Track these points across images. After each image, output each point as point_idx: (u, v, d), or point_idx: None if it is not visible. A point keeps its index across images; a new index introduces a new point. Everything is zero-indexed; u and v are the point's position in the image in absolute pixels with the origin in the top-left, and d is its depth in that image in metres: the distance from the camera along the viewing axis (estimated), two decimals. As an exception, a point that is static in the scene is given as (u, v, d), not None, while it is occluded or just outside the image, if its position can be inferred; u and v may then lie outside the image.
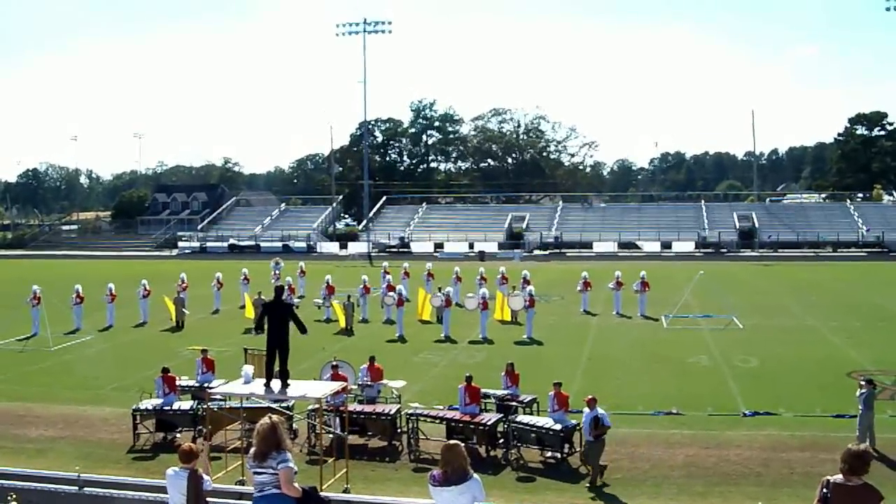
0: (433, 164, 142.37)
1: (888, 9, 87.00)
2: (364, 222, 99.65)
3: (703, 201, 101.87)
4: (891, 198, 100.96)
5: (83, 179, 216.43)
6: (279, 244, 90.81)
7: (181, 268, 50.17)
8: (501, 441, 18.73)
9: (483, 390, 19.91)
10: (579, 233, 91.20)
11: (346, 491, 15.28)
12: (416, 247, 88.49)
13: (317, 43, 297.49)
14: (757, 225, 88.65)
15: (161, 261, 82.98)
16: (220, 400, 18.92)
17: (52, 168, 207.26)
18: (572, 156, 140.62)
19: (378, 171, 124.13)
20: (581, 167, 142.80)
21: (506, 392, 20.53)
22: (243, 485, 14.64)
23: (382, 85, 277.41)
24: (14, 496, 11.65)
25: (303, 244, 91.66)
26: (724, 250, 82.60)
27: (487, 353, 30.32)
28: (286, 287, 39.19)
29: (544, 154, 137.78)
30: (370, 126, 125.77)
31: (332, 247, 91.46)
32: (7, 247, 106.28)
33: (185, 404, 20.42)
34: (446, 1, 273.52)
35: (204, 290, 43.24)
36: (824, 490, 8.18)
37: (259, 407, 17.82)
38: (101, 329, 36.50)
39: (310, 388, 16.68)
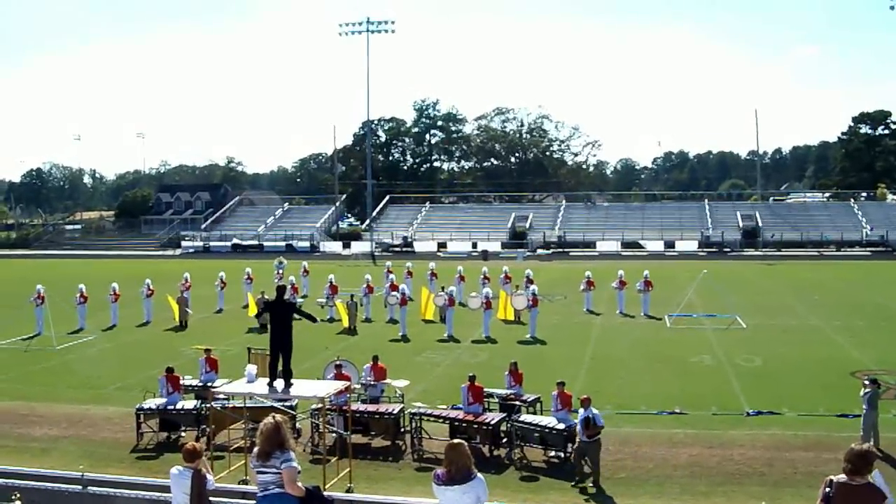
0: (436, 164, 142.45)
1: (892, 7, 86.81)
2: (367, 222, 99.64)
3: (706, 200, 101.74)
4: (895, 197, 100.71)
5: (87, 179, 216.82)
6: (282, 244, 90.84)
7: (185, 267, 50.19)
8: (505, 440, 18.74)
9: (486, 390, 19.92)
10: (582, 232, 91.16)
11: (349, 490, 15.31)
12: (419, 246, 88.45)
13: (320, 42, 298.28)
14: (760, 224, 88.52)
15: (164, 260, 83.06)
16: (224, 399, 18.94)
17: (55, 168, 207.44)
18: (575, 155, 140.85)
19: (381, 171, 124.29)
20: (584, 166, 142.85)
21: (509, 391, 20.53)
22: (247, 484, 14.67)
23: (386, 84, 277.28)
24: (18, 495, 11.67)
25: (306, 244, 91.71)
26: (728, 250, 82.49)
27: (490, 352, 30.32)
28: (289, 286, 39.39)
29: (547, 153, 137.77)
30: (373, 125, 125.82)
31: (336, 246, 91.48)
32: (11, 246, 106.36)
33: (189, 404, 20.44)
34: (449, 0, 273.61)
35: (207, 289, 43.26)
36: (827, 489, 8.18)
37: (262, 406, 17.83)
38: (104, 328, 36.54)
39: (313, 388, 16.70)
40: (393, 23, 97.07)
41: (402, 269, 46.58)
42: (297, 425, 19.18)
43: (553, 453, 18.04)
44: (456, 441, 9.10)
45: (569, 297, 43.79)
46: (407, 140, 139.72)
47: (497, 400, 20.37)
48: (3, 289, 53.24)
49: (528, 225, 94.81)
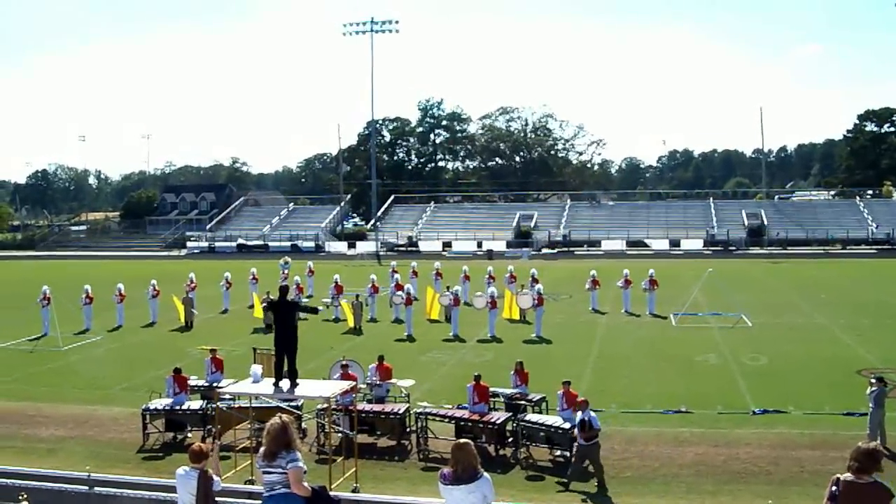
0: (441, 163, 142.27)
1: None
2: (372, 221, 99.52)
3: (711, 199, 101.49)
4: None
5: (92, 180, 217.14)
6: (287, 244, 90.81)
7: (190, 268, 50.24)
8: (510, 440, 18.75)
9: (492, 389, 19.92)
10: (587, 231, 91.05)
11: (355, 490, 15.32)
12: (424, 246, 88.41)
13: (324, 42, 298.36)
14: (766, 222, 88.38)
15: (170, 261, 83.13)
16: (230, 399, 18.95)
17: (60, 169, 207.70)
18: (580, 154, 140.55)
19: (386, 171, 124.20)
20: (589, 165, 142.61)
21: (515, 391, 20.53)
22: (253, 484, 14.69)
23: (390, 84, 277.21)
24: (25, 495, 11.69)
25: (311, 244, 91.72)
26: (733, 248, 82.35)
27: (496, 351, 30.33)
28: (294, 286, 39.47)
29: (552, 152, 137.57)
30: (378, 125, 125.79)
31: (341, 246, 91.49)
32: (17, 247, 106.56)
33: (195, 404, 20.46)
34: (452, 0, 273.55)
35: (213, 289, 43.31)
36: (833, 488, 8.16)
37: (268, 406, 17.84)
38: (110, 329, 36.59)
39: (319, 388, 16.71)
40: (397, 22, 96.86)
41: (408, 269, 46.60)
42: (303, 425, 19.20)
43: (559, 452, 18.02)
44: (462, 441, 9.11)
45: (574, 296, 43.81)
46: (411, 140, 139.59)
47: (503, 399, 20.38)
48: (9, 290, 53.35)
49: (533, 224, 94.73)
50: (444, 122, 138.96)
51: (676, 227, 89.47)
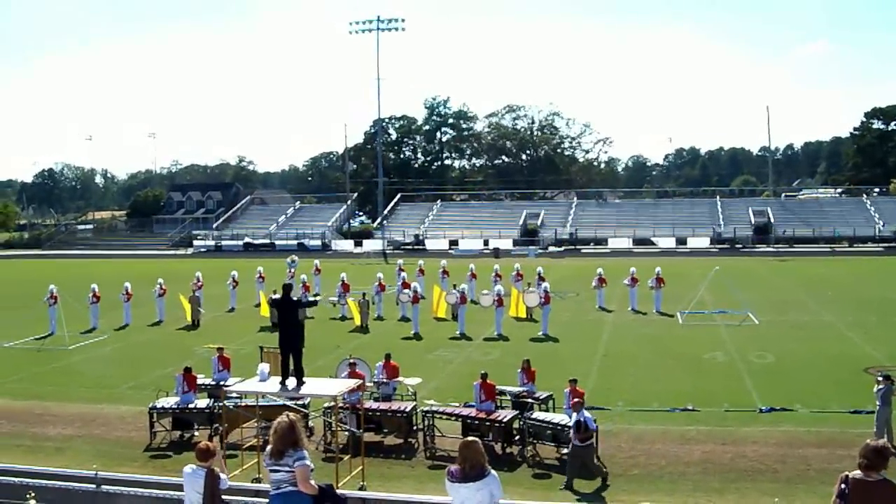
0: (447, 162, 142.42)
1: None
2: (379, 220, 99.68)
3: (718, 197, 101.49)
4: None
5: (98, 179, 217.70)
6: (294, 242, 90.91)
7: (197, 266, 50.28)
8: (517, 438, 18.74)
9: (498, 387, 19.92)
10: (594, 229, 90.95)
11: (362, 488, 15.32)
12: (430, 244, 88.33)
13: (330, 41, 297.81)
14: (772, 220, 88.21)
15: (176, 260, 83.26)
16: (236, 398, 18.97)
17: (67, 168, 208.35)
18: (587, 152, 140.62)
19: (392, 169, 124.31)
20: (595, 163, 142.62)
21: (521, 389, 20.53)
22: (260, 482, 14.69)
23: (396, 82, 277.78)
24: (33, 494, 11.71)
25: (317, 242, 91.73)
26: (740, 246, 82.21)
27: (502, 350, 30.34)
28: (301, 285, 39.50)
29: (559, 150, 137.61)
30: (384, 123, 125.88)
31: (347, 245, 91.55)
32: (24, 246, 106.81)
33: (202, 402, 20.48)
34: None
35: (219, 288, 43.35)
36: (843, 486, 8.13)
37: (275, 405, 17.86)
38: (117, 328, 36.66)
39: (325, 386, 16.72)
40: (403, 21, 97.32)
41: (414, 267, 46.61)
42: (310, 423, 19.22)
43: (565, 450, 17.98)
44: (470, 438, 9.12)
45: (581, 294, 43.81)
46: (418, 138, 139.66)
47: (509, 397, 20.38)
48: (16, 289, 53.47)
49: (539, 222, 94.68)
50: (450, 121, 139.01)
51: (683, 225, 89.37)
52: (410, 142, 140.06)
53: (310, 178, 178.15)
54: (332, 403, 16.95)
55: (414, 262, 49.33)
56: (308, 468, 8.75)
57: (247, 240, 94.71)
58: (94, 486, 12.63)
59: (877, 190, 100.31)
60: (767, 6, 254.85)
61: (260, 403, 17.68)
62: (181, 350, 30.58)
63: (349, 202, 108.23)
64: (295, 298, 16.48)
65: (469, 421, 18.83)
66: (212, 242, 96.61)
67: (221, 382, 21.03)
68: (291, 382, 15.74)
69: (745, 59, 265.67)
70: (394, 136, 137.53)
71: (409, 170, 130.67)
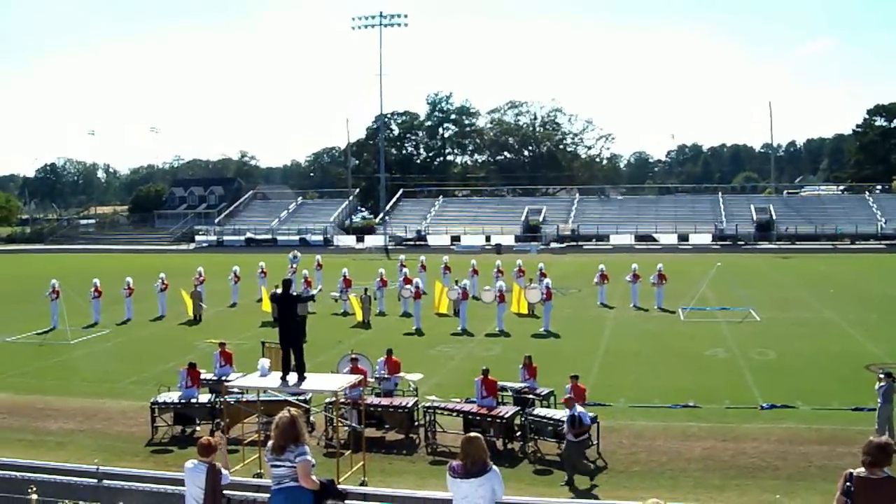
0: (450, 157, 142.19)
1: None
2: (381, 215, 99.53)
3: (720, 193, 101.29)
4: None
5: (100, 174, 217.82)
6: (296, 238, 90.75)
7: (198, 261, 50.37)
8: (518, 434, 18.76)
9: (500, 383, 19.95)
10: (596, 225, 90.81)
11: (363, 484, 15.34)
12: (432, 240, 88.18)
13: (333, 36, 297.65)
14: (774, 217, 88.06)
15: (178, 254, 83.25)
16: (238, 393, 18.98)
17: (69, 163, 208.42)
18: (589, 148, 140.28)
19: (395, 165, 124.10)
20: (598, 160, 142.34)
21: (523, 385, 20.55)
22: (261, 477, 14.72)
23: (399, 78, 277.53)
24: (34, 488, 11.72)
25: (319, 238, 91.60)
26: (742, 243, 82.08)
27: (504, 346, 30.38)
28: (303, 280, 39.53)
29: (561, 146, 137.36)
30: (387, 119, 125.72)
31: (349, 240, 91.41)
32: (26, 241, 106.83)
33: (203, 397, 20.50)
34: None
35: (221, 283, 43.39)
36: (848, 483, 8.11)
37: (277, 400, 17.87)
38: (119, 323, 36.70)
39: (327, 382, 16.73)
40: (406, 16, 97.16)
41: (416, 263, 46.62)
42: (312, 419, 19.22)
43: (567, 447, 18.02)
44: (472, 434, 9.15)
45: (582, 290, 43.81)
46: (420, 134, 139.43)
47: (511, 393, 20.41)
48: (17, 283, 53.53)
49: (541, 218, 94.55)
50: (452, 116, 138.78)
51: (685, 222, 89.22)
52: (413, 137, 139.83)
53: (312, 174, 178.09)
54: (334, 399, 16.95)
55: (416, 258, 49.35)
56: (309, 463, 8.76)
57: (249, 235, 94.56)
58: (95, 480, 12.63)
59: (879, 187, 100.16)
60: (770, 3, 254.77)
61: (261, 399, 17.70)
62: (183, 345, 30.62)
63: (351, 198, 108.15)
64: (295, 294, 16.49)
65: (470, 417, 18.84)
66: (214, 237, 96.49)
67: (223, 377, 21.03)
68: (293, 378, 15.75)
69: (748, 55, 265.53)
70: (396, 132, 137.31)
71: (412, 165, 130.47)
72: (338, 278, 40.17)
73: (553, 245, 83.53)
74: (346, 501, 10.21)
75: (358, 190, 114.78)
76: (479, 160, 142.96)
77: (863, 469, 8.06)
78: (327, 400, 18.83)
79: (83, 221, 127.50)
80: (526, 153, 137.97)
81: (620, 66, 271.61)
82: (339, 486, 10.06)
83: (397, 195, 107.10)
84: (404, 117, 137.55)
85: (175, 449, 18.83)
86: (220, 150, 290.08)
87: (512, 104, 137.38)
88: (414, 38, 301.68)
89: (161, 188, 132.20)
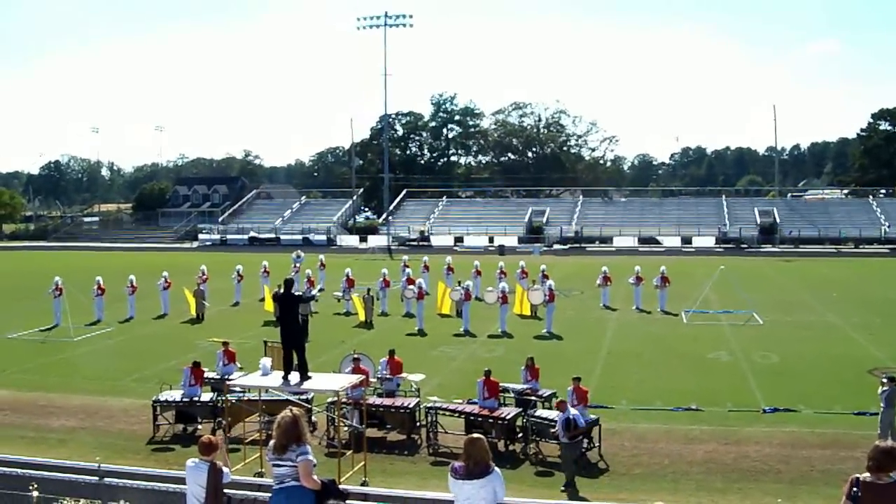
0: (453, 158, 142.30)
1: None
2: (384, 216, 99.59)
3: (723, 196, 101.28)
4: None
5: (105, 172, 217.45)
6: (299, 237, 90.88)
7: (202, 260, 50.37)
8: (520, 435, 18.74)
9: (502, 384, 19.93)
10: (599, 227, 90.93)
11: (364, 484, 15.33)
12: (435, 240, 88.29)
13: (338, 36, 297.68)
14: (778, 220, 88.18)
15: (182, 253, 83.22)
16: (240, 392, 18.97)
17: (73, 160, 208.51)
18: (593, 150, 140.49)
19: (398, 165, 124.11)
20: (601, 162, 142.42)
21: (525, 386, 20.54)
22: (262, 477, 14.70)
23: (403, 78, 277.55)
24: (35, 486, 11.72)
25: (323, 237, 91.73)
26: (745, 246, 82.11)
27: (506, 347, 30.35)
28: (306, 280, 39.52)
29: (565, 148, 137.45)
30: (391, 119, 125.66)
31: (352, 240, 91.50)
32: (29, 238, 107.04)
33: (205, 396, 20.49)
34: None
35: (224, 282, 43.41)
36: (854, 489, 8.06)
37: (278, 399, 17.86)
38: (121, 320, 36.70)
39: (329, 381, 16.71)
40: (411, 17, 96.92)
41: (419, 264, 46.63)
42: (313, 418, 19.21)
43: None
44: (475, 435, 9.13)
45: (585, 292, 43.78)
46: (424, 134, 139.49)
47: (513, 395, 20.40)
48: (21, 281, 53.57)
49: (544, 220, 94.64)
50: (456, 117, 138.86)
51: (688, 225, 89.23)
52: (417, 138, 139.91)
53: (315, 174, 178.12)
54: (336, 398, 16.94)
55: (419, 259, 49.37)
56: (311, 463, 8.75)
57: (252, 234, 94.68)
58: (96, 478, 12.61)
59: (883, 191, 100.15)
60: (775, 6, 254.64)
61: (263, 398, 17.69)
62: (185, 343, 30.63)
63: (355, 198, 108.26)
64: (297, 293, 16.47)
65: (472, 418, 18.83)
66: (217, 236, 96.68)
67: (227, 376, 21.02)
68: (294, 377, 15.74)
69: (753, 58, 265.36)
70: (400, 132, 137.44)
71: (415, 166, 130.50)
72: (341, 278, 40.17)
73: (556, 247, 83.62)
74: (347, 501, 10.19)
75: (361, 190, 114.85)
76: (483, 161, 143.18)
77: (869, 474, 8.01)
78: (329, 400, 18.82)
79: (87, 219, 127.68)
80: (530, 154, 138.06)
81: (625, 68, 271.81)
82: (341, 486, 10.04)
83: (401, 195, 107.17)
84: (408, 118, 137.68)
85: (177, 447, 18.82)
86: (224, 149, 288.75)
87: (516, 105, 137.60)
88: (418, 39, 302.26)
89: (165, 186, 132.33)
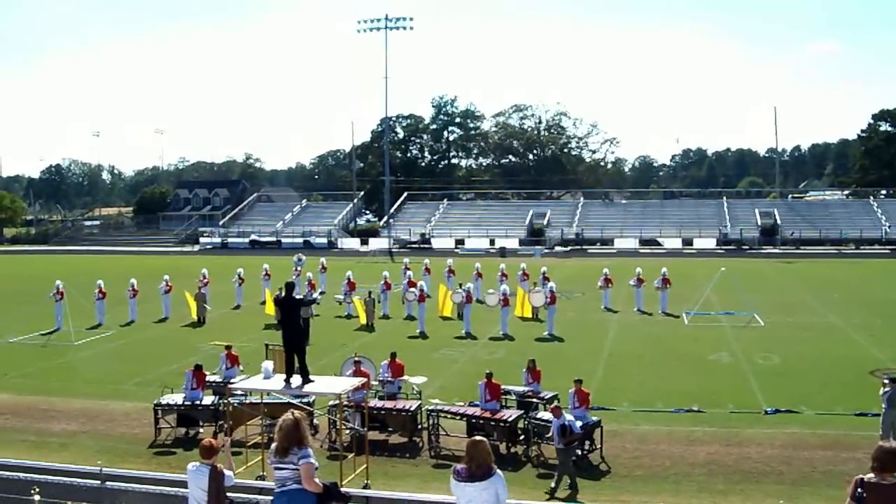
0: (454, 161, 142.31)
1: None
2: (385, 218, 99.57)
3: (724, 198, 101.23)
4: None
5: (105, 175, 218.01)
6: (300, 240, 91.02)
7: (203, 263, 50.35)
8: (522, 437, 18.73)
9: (504, 387, 19.91)
10: (600, 229, 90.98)
11: (366, 486, 15.34)
12: (436, 243, 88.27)
13: (338, 39, 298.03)
14: (779, 222, 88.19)
15: (183, 256, 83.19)
16: (241, 395, 18.97)
17: (74, 164, 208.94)
18: (593, 152, 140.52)
19: (399, 168, 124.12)
20: (602, 163, 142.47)
21: (527, 388, 20.53)
22: (264, 480, 14.71)
23: (404, 81, 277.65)
24: (37, 489, 11.74)
25: (324, 240, 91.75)
26: (746, 247, 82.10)
27: (508, 349, 30.33)
28: (307, 283, 39.53)
29: (565, 150, 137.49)
30: (391, 122, 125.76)
31: (353, 243, 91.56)
32: (30, 242, 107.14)
33: (207, 399, 20.48)
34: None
35: (225, 285, 43.41)
36: (859, 490, 8.05)
37: (280, 402, 17.86)
38: (123, 324, 36.71)
39: (330, 384, 16.71)
40: (411, 19, 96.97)
41: (420, 266, 46.63)
42: (315, 421, 19.20)
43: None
44: (478, 438, 9.13)
45: (586, 294, 43.78)
46: (425, 137, 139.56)
47: (514, 397, 20.39)
48: (22, 284, 53.59)
49: (545, 222, 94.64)
50: (457, 120, 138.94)
51: (689, 226, 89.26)
52: (417, 140, 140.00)
53: (316, 176, 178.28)
54: (337, 401, 16.94)
55: (420, 261, 49.36)
56: (312, 466, 8.76)
57: (253, 237, 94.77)
58: (98, 481, 12.66)
59: (884, 192, 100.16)
60: (775, 7, 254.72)
61: (265, 401, 17.68)
62: (186, 347, 30.62)
63: (355, 200, 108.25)
64: (298, 297, 16.49)
65: (474, 420, 18.82)
66: (218, 239, 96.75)
67: (230, 380, 21.01)
68: (296, 380, 15.74)
69: (753, 59, 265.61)
70: (401, 135, 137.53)
71: (416, 168, 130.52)
72: (342, 281, 40.18)
73: (557, 249, 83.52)
74: (348, 504, 10.20)
75: (362, 193, 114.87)
76: (484, 163, 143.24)
77: (873, 475, 8.01)
78: (331, 402, 18.80)
79: (88, 223, 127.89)
80: (530, 157, 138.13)
81: (626, 70, 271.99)
82: (342, 489, 10.05)
83: (402, 198, 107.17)
84: (409, 120, 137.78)
85: (178, 451, 18.80)
86: (224, 153, 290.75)
87: (517, 107, 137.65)
88: (419, 41, 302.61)
89: (166, 190, 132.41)
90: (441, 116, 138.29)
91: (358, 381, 17.28)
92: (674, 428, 20.01)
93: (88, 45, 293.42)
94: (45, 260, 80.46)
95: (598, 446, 17.88)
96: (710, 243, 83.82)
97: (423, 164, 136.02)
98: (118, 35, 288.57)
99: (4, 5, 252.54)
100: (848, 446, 17.70)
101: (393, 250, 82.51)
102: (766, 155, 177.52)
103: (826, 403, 21.57)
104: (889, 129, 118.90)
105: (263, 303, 39.07)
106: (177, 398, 20.33)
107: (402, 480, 16.59)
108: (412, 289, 37.05)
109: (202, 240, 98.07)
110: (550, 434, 16.97)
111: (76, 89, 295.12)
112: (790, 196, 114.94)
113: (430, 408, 19.37)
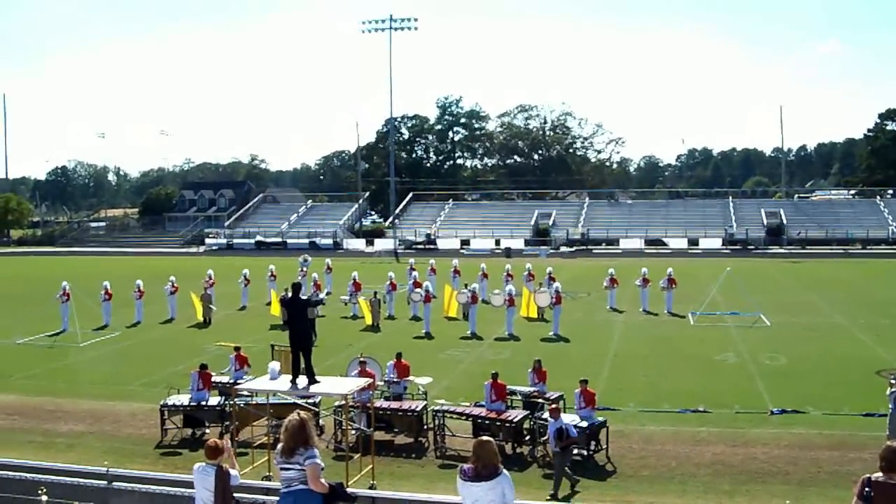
0: (459, 161, 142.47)
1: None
2: (390, 219, 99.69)
3: (730, 198, 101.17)
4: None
5: (111, 177, 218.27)
6: (306, 241, 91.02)
7: (208, 264, 50.42)
8: (527, 438, 18.73)
9: (509, 387, 19.90)
10: (606, 229, 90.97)
11: (372, 487, 15.33)
12: (442, 243, 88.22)
13: (343, 40, 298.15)
14: (785, 222, 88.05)
15: (188, 257, 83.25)
16: (247, 396, 18.98)
17: (80, 165, 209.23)
18: (599, 152, 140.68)
19: (404, 168, 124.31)
20: (608, 163, 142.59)
21: (532, 389, 20.52)
22: (270, 480, 14.72)
23: (409, 81, 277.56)
24: (44, 490, 11.76)
25: (329, 241, 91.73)
26: (752, 247, 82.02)
27: (513, 350, 30.32)
28: (312, 283, 39.55)
29: (571, 150, 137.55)
30: (397, 123, 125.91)
31: (359, 243, 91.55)
32: (36, 243, 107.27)
33: (213, 400, 20.50)
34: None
35: (231, 286, 43.43)
36: (866, 489, 8.04)
37: (286, 403, 17.88)
38: (129, 325, 36.74)
39: (336, 385, 16.72)
40: (416, 20, 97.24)
41: (426, 267, 46.64)
42: (321, 422, 19.21)
43: (575, 451, 17.94)
44: (484, 438, 9.13)
45: (592, 294, 43.76)
46: (430, 137, 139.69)
47: (520, 397, 20.38)
48: (28, 286, 53.69)
49: (551, 222, 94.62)
50: (462, 120, 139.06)
51: (695, 226, 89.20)
52: (422, 141, 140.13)
53: (322, 177, 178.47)
54: (343, 402, 16.95)
55: (425, 262, 49.33)
56: (318, 466, 8.75)
57: (258, 238, 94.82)
58: (104, 482, 12.67)
59: (890, 192, 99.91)
60: (777, 6, 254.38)
61: (271, 401, 17.70)
62: (192, 348, 30.64)
63: (361, 201, 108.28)
64: (304, 297, 16.50)
65: (479, 420, 18.83)
66: (223, 240, 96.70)
67: (239, 381, 21.00)
68: (302, 381, 15.76)
69: (757, 59, 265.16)
70: (406, 136, 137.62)
71: (421, 169, 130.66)
72: (347, 281, 40.19)
73: (563, 249, 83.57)
74: (354, 505, 10.20)
75: (368, 193, 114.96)
76: (489, 164, 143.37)
77: (881, 474, 8.01)
78: (336, 403, 18.83)
79: (93, 224, 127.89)
80: (536, 157, 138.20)
81: (631, 70, 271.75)
82: (349, 490, 10.04)
83: (407, 199, 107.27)
84: (414, 121, 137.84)
85: (184, 451, 18.83)
86: (230, 154, 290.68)
87: (522, 108, 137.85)
88: (423, 42, 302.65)
89: (171, 191, 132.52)
90: (446, 117, 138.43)
91: (364, 381, 17.28)
92: (680, 428, 19.99)
93: (89, 45, 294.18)
94: (52, 261, 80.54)
95: (604, 447, 17.86)
96: (715, 243, 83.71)
97: (428, 164, 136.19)
98: (119, 35, 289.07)
99: (4, 5, 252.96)
100: (854, 447, 17.67)
101: (398, 251, 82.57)
102: (772, 155, 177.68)
103: (832, 404, 21.53)
104: (895, 128, 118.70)
105: (269, 304, 39.06)
106: (183, 399, 20.34)
107: (408, 481, 16.60)
108: (418, 289, 37.05)
109: (208, 241, 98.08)
110: (546, 437, 16.97)
111: (79, 89, 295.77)
112: (796, 196, 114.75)
113: (436, 408, 19.37)
